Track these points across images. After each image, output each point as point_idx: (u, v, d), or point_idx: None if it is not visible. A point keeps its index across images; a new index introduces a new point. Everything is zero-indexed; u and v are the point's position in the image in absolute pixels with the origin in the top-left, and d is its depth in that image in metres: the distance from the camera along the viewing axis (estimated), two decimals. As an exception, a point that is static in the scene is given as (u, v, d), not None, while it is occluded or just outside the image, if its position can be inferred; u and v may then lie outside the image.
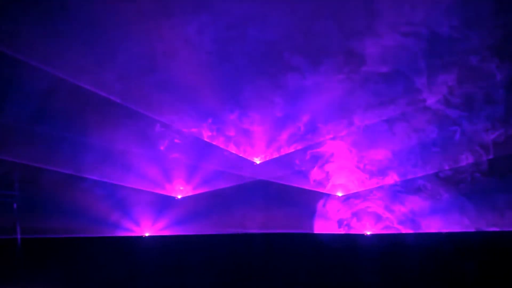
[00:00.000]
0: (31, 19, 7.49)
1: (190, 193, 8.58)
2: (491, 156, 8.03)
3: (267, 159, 8.68)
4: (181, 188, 8.50)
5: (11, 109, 7.85)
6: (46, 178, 8.01)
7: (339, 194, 8.61)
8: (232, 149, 8.63)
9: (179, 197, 8.61)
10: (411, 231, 8.27)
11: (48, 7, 7.47)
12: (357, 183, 8.58)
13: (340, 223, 8.58)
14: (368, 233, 8.43)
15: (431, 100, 8.15)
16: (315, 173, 8.61)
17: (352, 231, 8.47)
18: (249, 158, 8.66)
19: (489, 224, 8.00)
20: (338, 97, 8.35)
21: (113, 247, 8.07)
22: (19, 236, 7.87)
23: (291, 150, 8.64)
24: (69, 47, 7.70)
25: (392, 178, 8.42)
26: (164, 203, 8.50)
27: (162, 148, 8.52)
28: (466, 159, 8.15)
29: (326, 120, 8.48)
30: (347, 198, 8.60)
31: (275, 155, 8.67)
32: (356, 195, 8.57)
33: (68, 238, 7.94)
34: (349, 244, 8.26)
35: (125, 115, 8.22)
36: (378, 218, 8.43)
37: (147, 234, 8.40)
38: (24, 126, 7.93)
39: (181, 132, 8.52)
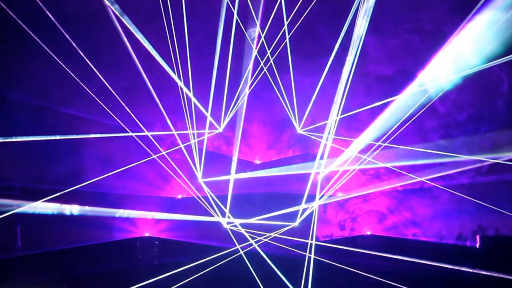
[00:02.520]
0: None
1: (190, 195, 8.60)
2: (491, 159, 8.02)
3: (267, 160, 8.68)
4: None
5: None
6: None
7: (340, 195, 8.61)
8: (234, 149, 8.62)
9: (179, 197, 8.60)
10: (412, 232, 8.29)
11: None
12: (358, 184, 8.57)
13: (341, 224, 8.58)
14: (368, 233, 8.45)
15: (435, 101, 8.13)
16: (315, 175, 8.59)
17: (353, 233, 8.48)
18: (249, 159, 8.66)
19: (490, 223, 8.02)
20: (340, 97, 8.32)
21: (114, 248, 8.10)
22: (19, 237, 7.86)
23: (291, 151, 8.62)
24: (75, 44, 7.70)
25: (393, 179, 8.41)
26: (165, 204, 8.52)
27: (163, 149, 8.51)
28: (467, 161, 8.13)
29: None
30: (348, 199, 8.60)
31: (276, 156, 8.66)
32: (357, 197, 8.57)
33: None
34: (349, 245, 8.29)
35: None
36: (380, 219, 8.44)
37: (147, 234, 8.41)
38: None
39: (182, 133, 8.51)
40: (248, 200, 8.45)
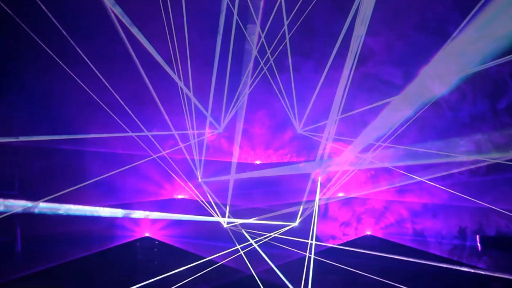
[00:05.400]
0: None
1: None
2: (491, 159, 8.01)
3: (267, 160, 8.67)
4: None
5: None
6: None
7: (341, 195, 8.60)
8: (234, 149, 8.62)
9: (179, 197, 8.61)
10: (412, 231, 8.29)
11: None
12: (358, 184, 8.56)
13: (343, 225, 8.58)
14: (368, 233, 8.45)
15: (436, 100, 8.11)
16: (316, 175, 8.59)
17: (356, 232, 8.49)
18: (249, 159, 8.65)
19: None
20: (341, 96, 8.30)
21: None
22: (19, 237, 7.88)
23: (291, 151, 8.61)
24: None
25: (393, 179, 8.40)
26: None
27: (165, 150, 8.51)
28: (467, 160, 8.11)
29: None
30: (348, 199, 8.60)
31: (275, 156, 8.65)
32: (357, 197, 8.57)
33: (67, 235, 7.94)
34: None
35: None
36: (379, 219, 8.44)
37: (147, 234, 8.42)
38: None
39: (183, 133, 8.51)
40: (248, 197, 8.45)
